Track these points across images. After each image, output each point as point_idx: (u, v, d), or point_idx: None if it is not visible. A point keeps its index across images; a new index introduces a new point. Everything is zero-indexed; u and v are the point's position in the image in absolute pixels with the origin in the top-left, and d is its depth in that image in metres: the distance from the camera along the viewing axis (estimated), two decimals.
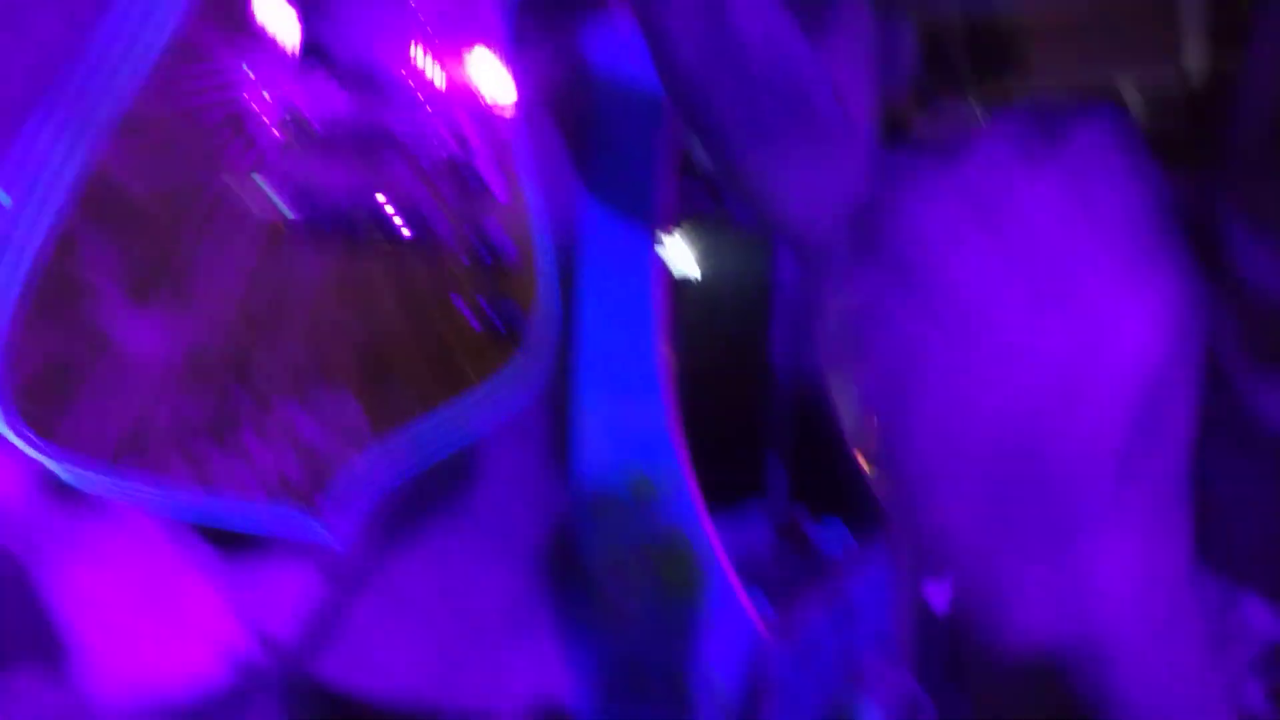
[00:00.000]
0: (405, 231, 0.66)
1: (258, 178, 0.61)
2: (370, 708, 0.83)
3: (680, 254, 1.41)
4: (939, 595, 0.67)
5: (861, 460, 1.92)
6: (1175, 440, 0.34)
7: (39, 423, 0.54)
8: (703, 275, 1.50)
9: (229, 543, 0.87)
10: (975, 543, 0.33)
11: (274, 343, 0.65)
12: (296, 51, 0.58)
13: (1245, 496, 0.45)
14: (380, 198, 0.67)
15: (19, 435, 0.54)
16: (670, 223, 1.33)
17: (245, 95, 0.56)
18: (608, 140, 1.23)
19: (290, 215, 0.62)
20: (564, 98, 1.21)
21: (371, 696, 0.83)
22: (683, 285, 1.43)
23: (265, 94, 0.56)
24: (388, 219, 0.66)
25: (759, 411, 1.76)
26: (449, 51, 0.69)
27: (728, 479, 1.64)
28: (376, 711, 0.83)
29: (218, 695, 0.54)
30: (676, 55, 0.70)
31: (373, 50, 0.62)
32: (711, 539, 1.22)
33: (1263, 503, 0.46)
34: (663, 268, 1.25)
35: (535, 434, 1.33)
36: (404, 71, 0.65)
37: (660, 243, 1.21)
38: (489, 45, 0.72)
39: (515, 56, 0.76)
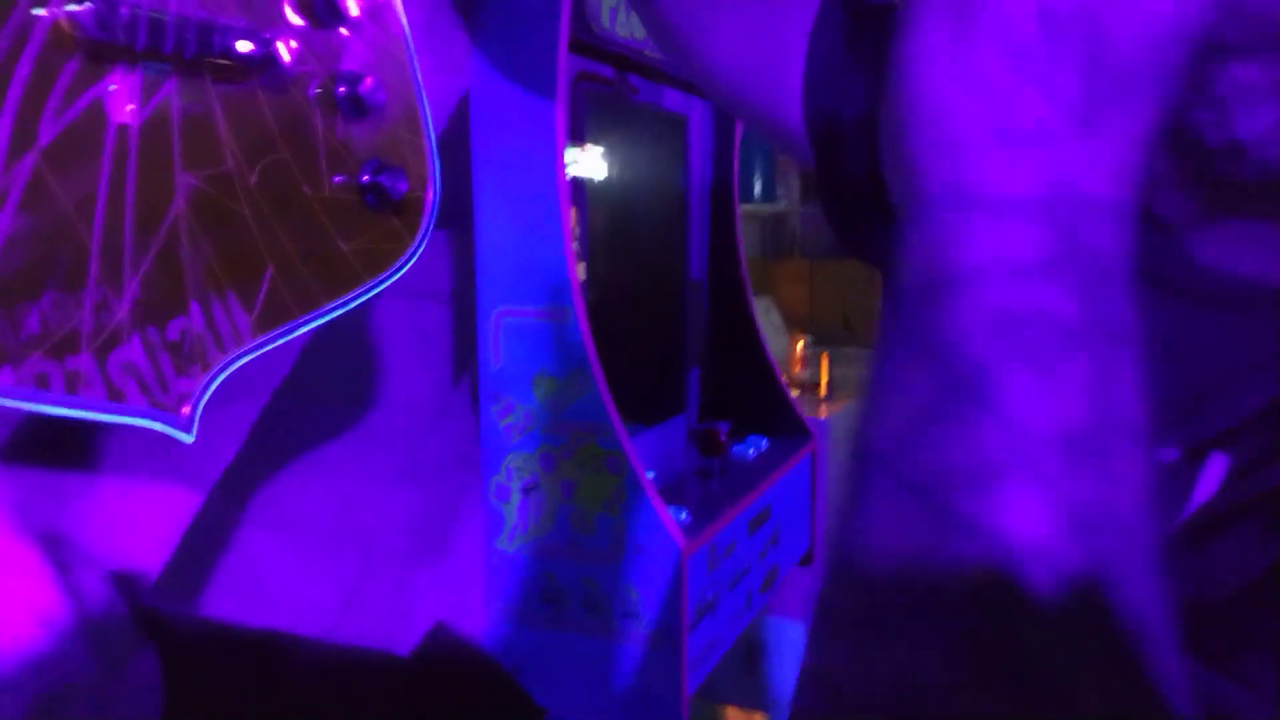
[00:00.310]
0: (241, 50, 0.55)
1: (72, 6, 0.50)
2: (259, 645, 0.74)
3: (588, 152, 1.31)
4: None
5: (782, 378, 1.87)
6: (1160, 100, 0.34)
7: None
8: (611, 169, 1.40)
9: (78, 463, 0.76)
10: None
11: (114, 213, 0.54)
12: None
13: (1185, 345, 0.45)
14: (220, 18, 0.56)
15: None
16: (574, 104, 1.23)
17: None
18: None
19: (111, 38, 0.51)
20: None
21: (260, 633, 0.73)
22: (590, 182, 1.34)
23: None
24: (228, 48, 0.56)
25: (677, 322, 1.69)
26: None
27: (646, 394, 1.57)
28: (266, 649, 0.73)
29: (39, 656, 0.44)
30: None
31: None
32: (628, 451, 1.15)
33: (1209, 353, 0.46)
34: (567, 155, 1.16)
35: (437, 345, 1.24)
36: None
37: (567, 125, 1.11)
38: None
39: None
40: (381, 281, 0.68)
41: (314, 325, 0.65)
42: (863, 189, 0.59)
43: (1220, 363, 0.46)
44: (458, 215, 1.17)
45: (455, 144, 1.14)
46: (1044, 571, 0.29)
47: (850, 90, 0.58)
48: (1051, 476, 0.29)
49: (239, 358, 0.62)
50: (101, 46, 0.54)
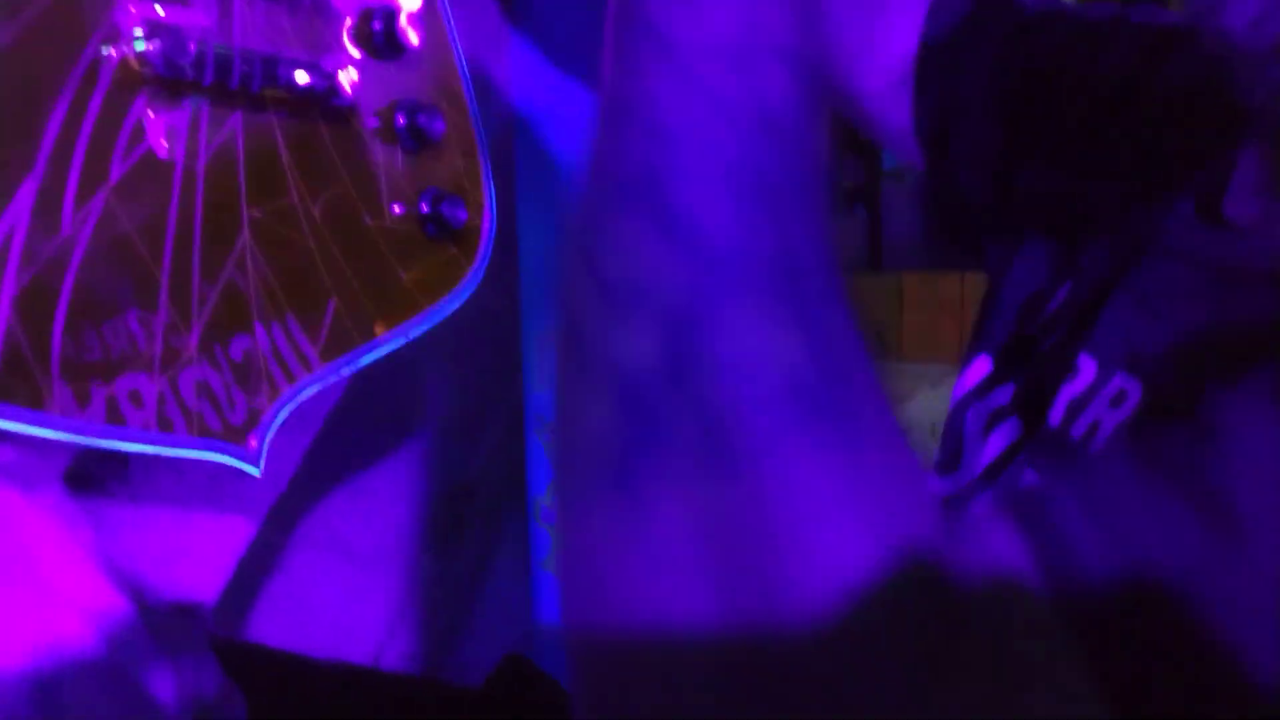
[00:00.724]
0: (303, 82, 0.55)
1: (139, 34, 0.50)
2: (310, 672, 0.74)
3: None
4: None
5: None
6: None
7: None
8: None
9: (131, 487, 0.76)
10: None
11: (182, 247, 0.55)
12: None
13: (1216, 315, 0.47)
14: (289, 52, 0.56)
15: None
16: None
17: None
18: None
19: (164, 63, 0.51)
20: None
21: (311, 658, 0.73)
22: None
23: None
24: (291, 81, 0.56)
25: None
26: None
27: None
28: (317, 676, 0.73)
29: (87, 661, 0.44)
30: None
31: None
32: None
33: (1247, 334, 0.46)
34: None
35: (481, 368, 1.24)
36: None
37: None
38: None
39: None
40: (440, 310, 0.68)
41: (375, 355, 0.65)
42: (976, 182, 0.57)
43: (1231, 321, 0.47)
44: (500, 237, 1.17)
45: (497, 166, 1.14)
46: (687, 153, 0.33)
47: (971, 68, 0.56)
48: (690, 72, 0.34)
49: (304, 388, 0.62)
50: (170, 83, 0.54)
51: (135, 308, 0.52)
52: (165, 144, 0.54)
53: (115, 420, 0.51)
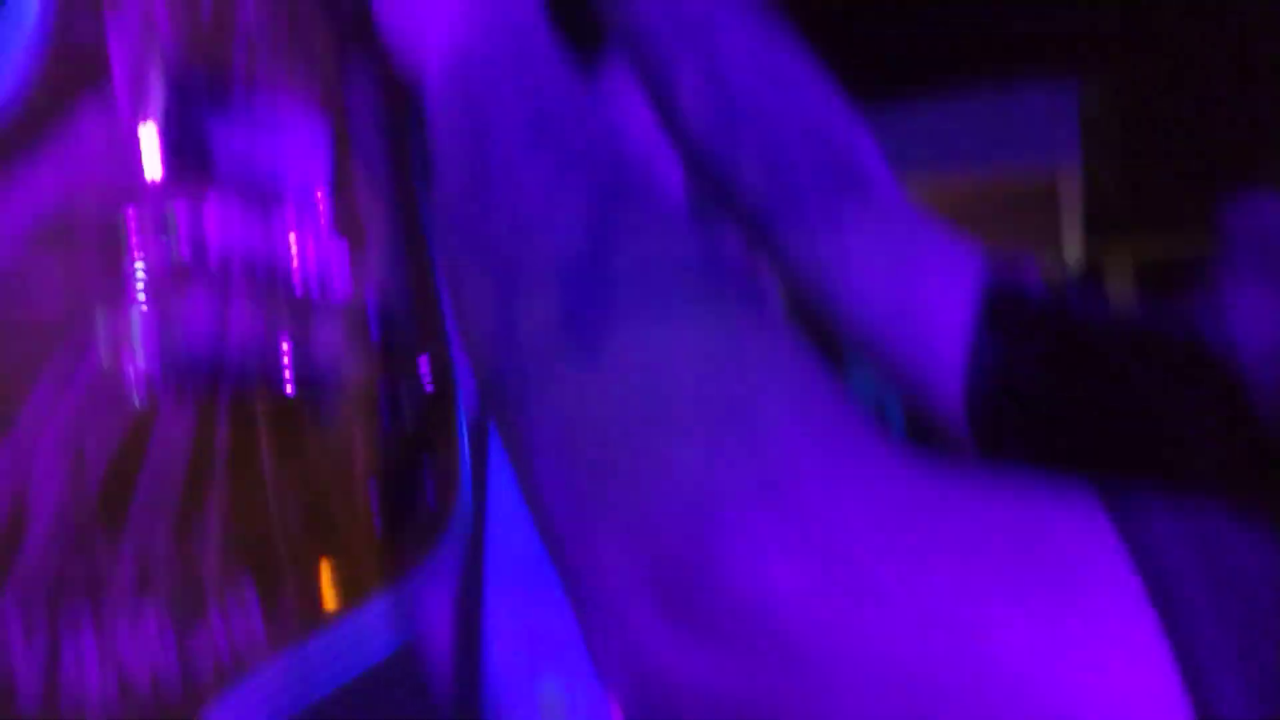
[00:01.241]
0: (292, 389, 0.57)
1: (134, 314, 0.52)
2: None
3: None
4: None
5: None
6: None
7: None
8: None
9: None
10: None
11: (147, 522, 0.55)
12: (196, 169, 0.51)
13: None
14: (280, 348, 0.58)
15: None
16: None
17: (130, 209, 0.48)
18: None
19: (159, 364, 0.53)
20: None
21: None
22: None
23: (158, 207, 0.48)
24: (280, 373, 0.57)
25: None
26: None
27: None
28: None
29: None
30: (681, 113, 0.63)
31: (281, 171, 0.55)
32: None
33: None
34: None
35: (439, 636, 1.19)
36: (312, 198, 0.58)
37: None
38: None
39: None
40: (409, 591, 0.67)
41: (336, 642, 0.63)
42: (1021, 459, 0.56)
43: None
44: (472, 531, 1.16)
45: (476, 456, 1.15)
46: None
47: (1022, 382, 0.55)
48: None
49: (256, 675, 0.60)
50: (165, 375, 0.55)
51: (89, 563, 0.51)
52: (141, 420, 0.55)
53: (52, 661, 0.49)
